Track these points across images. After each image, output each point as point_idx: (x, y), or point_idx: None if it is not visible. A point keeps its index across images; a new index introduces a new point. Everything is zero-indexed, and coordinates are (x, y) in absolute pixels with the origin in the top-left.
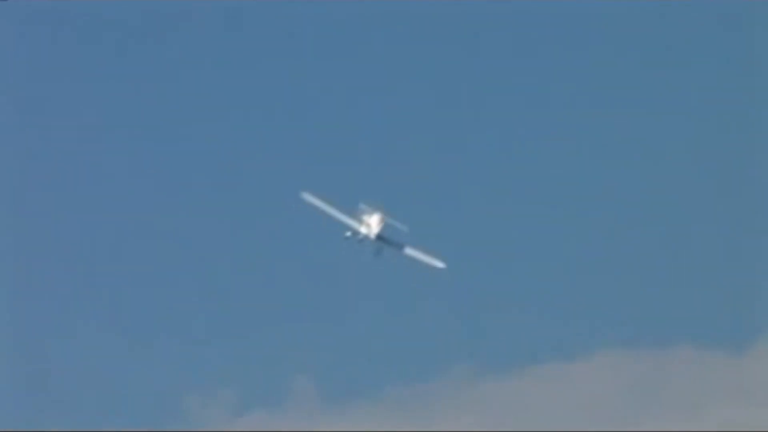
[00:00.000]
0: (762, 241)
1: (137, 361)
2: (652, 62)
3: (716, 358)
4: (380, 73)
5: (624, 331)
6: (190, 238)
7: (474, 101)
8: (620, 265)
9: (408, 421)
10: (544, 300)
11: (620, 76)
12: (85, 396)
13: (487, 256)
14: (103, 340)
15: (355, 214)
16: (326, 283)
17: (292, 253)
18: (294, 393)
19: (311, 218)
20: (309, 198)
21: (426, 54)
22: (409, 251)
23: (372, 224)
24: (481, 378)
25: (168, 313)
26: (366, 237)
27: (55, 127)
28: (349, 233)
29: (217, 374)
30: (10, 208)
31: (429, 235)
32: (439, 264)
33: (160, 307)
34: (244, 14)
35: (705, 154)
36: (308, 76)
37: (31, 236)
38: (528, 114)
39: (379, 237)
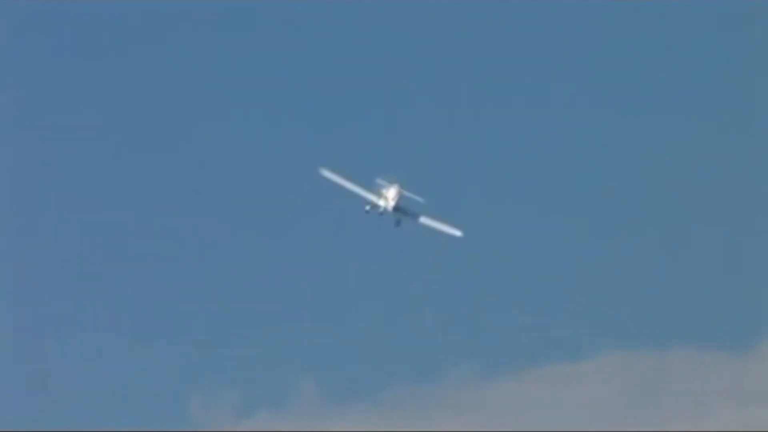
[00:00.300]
0: (763, 242)
1: (138, 361)
2: (652, 62)
3: (718, 359)
4: (392, 61)
5: (626, 333)
6: (192, 240)
7: (479, 99)
8: (622, 266)
9: (409, 421)
10: (546, 301)
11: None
12: (85, 396)
13: (488, 257)
14: (104, 341)
15: (373, 189)
16: (327, 283)
17: (292, 255)
18: (296, 394)
19: (309, 223)
20: (327, 174)
21: (438, 38)
22: (426, 221)
23: (389, 197)
24: (483, 379)
25: (169, 314)
26: (385, 210)
27: (55, 127)
28: (368, 207)
29: (220, 375)
30: (10, 208)
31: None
32: (456, 232)
33: (162, 307)
34: (251, 10)
35: (705, 155)
36: (317, 66)
37: (31, 236)
38: (527, 115)
39: (396, 209)
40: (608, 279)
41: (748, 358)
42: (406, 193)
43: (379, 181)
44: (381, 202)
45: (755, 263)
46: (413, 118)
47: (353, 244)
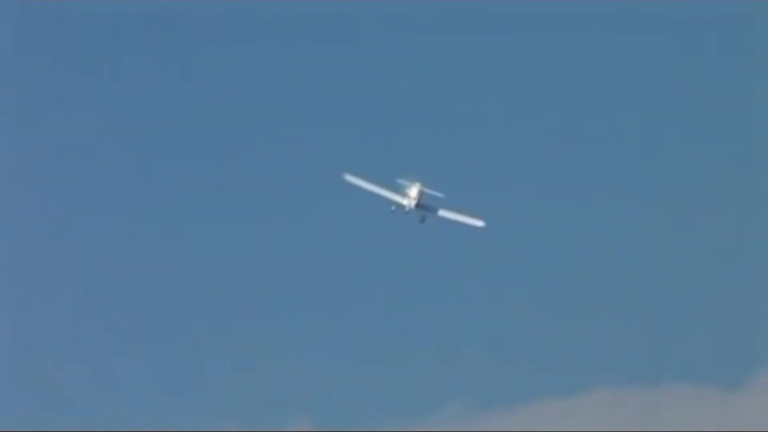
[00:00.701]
0: (755, 278)
1: (138, 363)
2: (651, 62)
3: (710, 395)
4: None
5: (618, 368)
6: (189, 257)
7: (481, 103)
8: (615, 302)
9: None
10: (539, 336)
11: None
12: (85, 396)
13: (481, 293)
14: (104, 340)
15: (396, 190)
16: (322, 314)
17: (287, 285)
18: (290, 429)
19: (296, 252)
20: (351, 179)
21: (453, 38)
22: (447, 214)
23: (411, 196)
24: (475, 414)
25: (164, 347)
26: (410, 209)
27: (55, 127)
28: (393, 207)
29: (215, 409)
30: (10, 208)
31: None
32: (479, 223)
33: (160, 335)
34: (253, 9)
35: (700, 170)
36: (319, 71)
37: (32, 238)
38: (528, 119)
39: (419, 206)
40: (601, 315)
41: (740, 394)
42: (427, 191)
43: (400, 181)
44: (405, 202)
45: (747, 300)
46: (417, 124)
47: (343, 278)
